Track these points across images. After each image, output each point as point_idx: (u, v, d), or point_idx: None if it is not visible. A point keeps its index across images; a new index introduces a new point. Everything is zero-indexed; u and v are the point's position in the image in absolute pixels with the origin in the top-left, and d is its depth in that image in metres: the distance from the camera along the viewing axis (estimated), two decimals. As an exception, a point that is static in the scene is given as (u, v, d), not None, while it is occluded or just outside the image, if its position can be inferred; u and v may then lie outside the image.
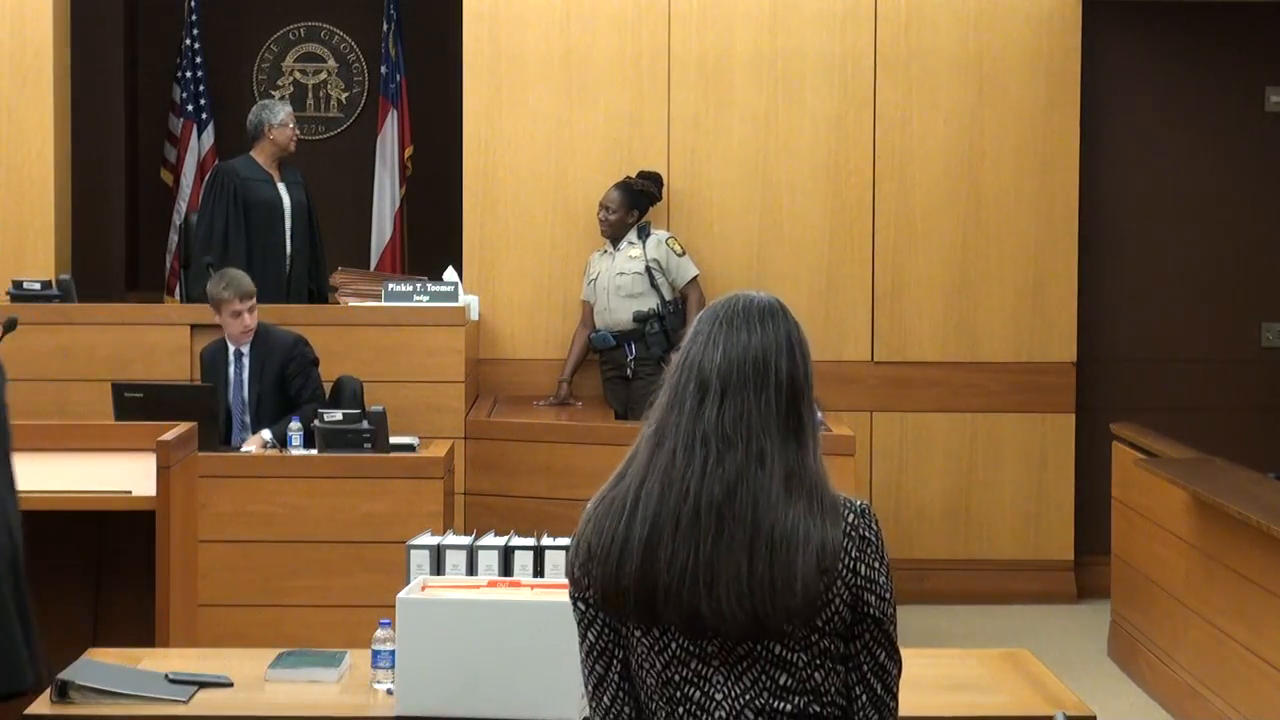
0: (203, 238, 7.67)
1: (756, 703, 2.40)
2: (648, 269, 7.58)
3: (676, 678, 2.43)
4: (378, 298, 7.34)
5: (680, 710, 2.43)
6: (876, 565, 2.42)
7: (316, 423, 6.09)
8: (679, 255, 7.64)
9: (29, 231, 7.86)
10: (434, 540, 3.74)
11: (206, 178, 8.29)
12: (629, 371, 7.57)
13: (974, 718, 3.49)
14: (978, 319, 7.90)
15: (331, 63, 9.82)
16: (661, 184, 7.78)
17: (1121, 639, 6.74)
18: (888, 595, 2.43)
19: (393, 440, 6.18)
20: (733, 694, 2.41)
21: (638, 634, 2.45)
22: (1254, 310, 8.03)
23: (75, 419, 6.43)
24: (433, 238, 9.09)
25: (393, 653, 3.46)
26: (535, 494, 6.95)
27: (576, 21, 7.91)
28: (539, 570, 3.69)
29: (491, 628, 3.32)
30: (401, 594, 3.39)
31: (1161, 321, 8.00)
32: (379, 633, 3.57)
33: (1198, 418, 7.75)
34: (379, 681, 3.54)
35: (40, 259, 7.80)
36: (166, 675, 3.55)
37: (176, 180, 9.34)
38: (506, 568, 3.68)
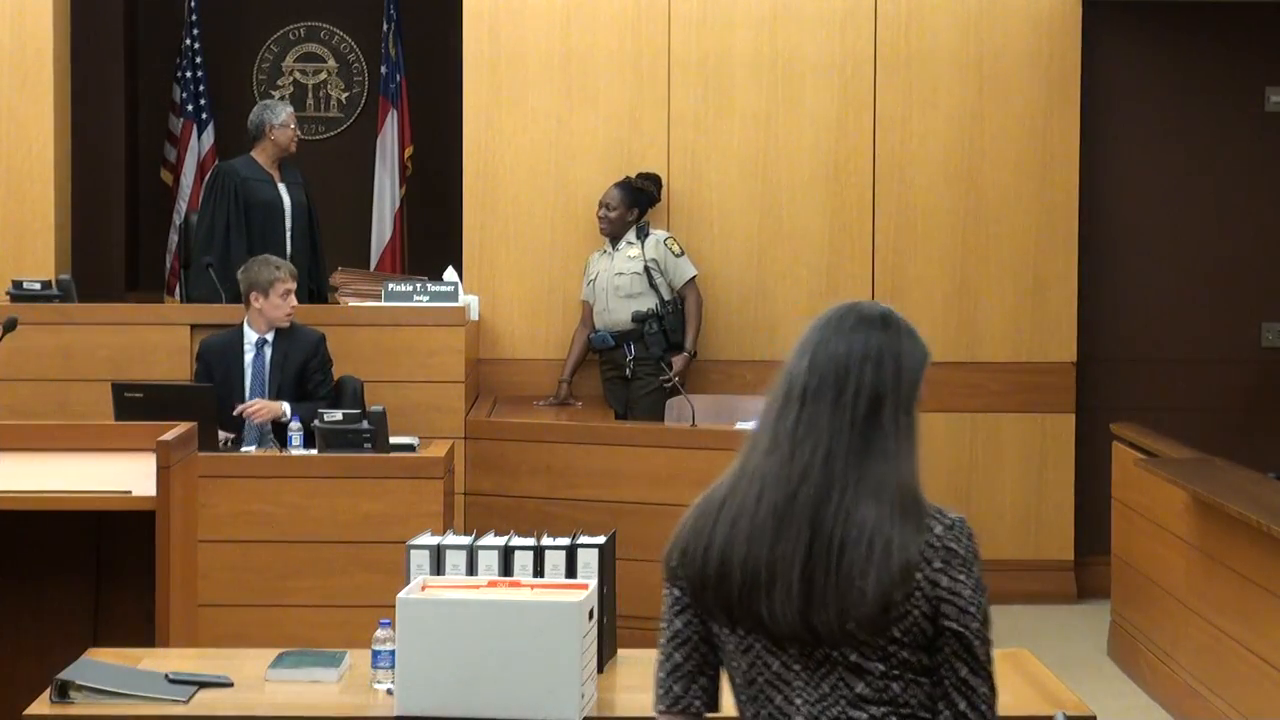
0: (203, 238, 7.67)
1: (833, 710, 2.40)
2: (646, 269, 7.58)
3: (760, 679, 2.44)
4: (378, 298, 7.34)
5: (763, 712, 2.44)
6: (961, 579, 2.40)
7: (316, 423, 6.09)
8: (677, 255, 7.64)
9: (29, 231, 7.86)
10: (434, 540, 3.74)
11: (207, 178, 8.28)
12: (628, 371, 7.57)
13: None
14: (978, 319, 7.90)
15: (331, 63, 9.82)
16: (660, 185, 7.78)
17: (1121, 639, 6.74)
18: (973, 610, 2.40)
19: (393, 440, 6.18)
20: (810, 699, 2.41)
21: (725, 632, 2.46)
22: (1254, 310, 8.03)
23: (75, 419, 6.42)
24: (433, 238, 9.09)
25: (393, 653, 3.46)
26: (535, 494, 6.94)
27: (576, 21, 7.91)
28: (539, 570, 3.68)
29: (491, 628, 3.32)
30: (401, 594, 3.39)
31: (1161, 321, 8.00)
32: (379, 633, 3.56)
33: (1198, 418, 7.75)
34: (379, 681, 3.54)
35: (40, 259, 7.80)
36: (166, 675, 3.55)
37: (176, 180, 9.34)
38: (506, 568, 3.68)
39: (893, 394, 2.50)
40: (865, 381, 2.48)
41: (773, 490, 2.42)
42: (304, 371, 6.61)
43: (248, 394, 6.59)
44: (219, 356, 6.66)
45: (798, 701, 2.41)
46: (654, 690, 2.55)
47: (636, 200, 7.67)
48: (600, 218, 7.65)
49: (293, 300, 6.65)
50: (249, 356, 6.64)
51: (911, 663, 2.39)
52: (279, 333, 6.63)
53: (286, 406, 6.47)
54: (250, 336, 6.65)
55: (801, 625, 2.36)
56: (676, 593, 2.51)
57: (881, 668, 2.38)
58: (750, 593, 2.39)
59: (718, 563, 2.42)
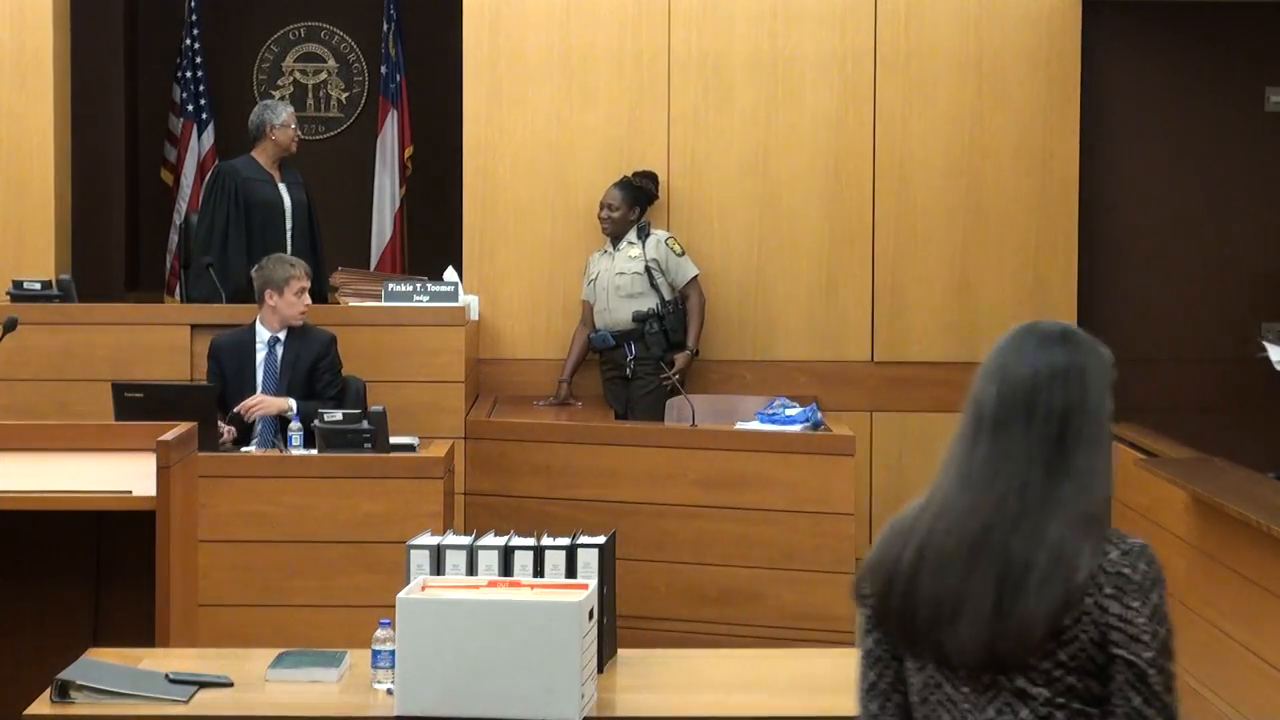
0: (203, 238, 7.67)
1: None
2: (647, 269, 7.58)
3: (931, 698, 2.45)
4: (378, 298, 7.34)
5: None
6: (1135, 605, 2.36)
7: (316, 423, 6.09)
8: (679, 255, 7.64)
9: (29, 231, 7.86)
10: (434, 540, 3.74)
11: (207, 177, 8.28)
12: (629, 371, 7.57)
13: (974, 718, 3.48)
14: (978, 319, 7.90)
15: (331, 63, 9.82)
16: (658, 182, 7.79)
17: (1121, 639, 6.73)
18: (1145, 639, 2.35)
19: (393, 440, 6.18)
20: None
21: (905, 652, 2.48)
22: (1254, 310, 8.03)
23: (75, 419, 6.42)
24: (433, 238, 9.09)
25: (393, 653, 3.46)
26: (535, 494, 6.94)
27: (576, 21, 7.91)
28: (539, 570, 3.68)
29: (491, 628, 3.32)
30: (401, 594, 3.39)
31: (1161, 321, 8.00)
32: (379, 633, 3.57)
33: (1198, 418, 7.74)
34: (379, 681, 3.54)
35: (40, 259, 7.80)
36: (166, 675, 3.55)
37: (176, 180, 9.34)
38: (506, 568, 3.68)
39: (1080, 410, 2.44)
40: (1054, 402, 2.43)
41: (964, 522, 2.40)
42: (314, 371, 6.61)
43: (259, 392, 6.59)
44: (231, 354, 6.66)
45: None
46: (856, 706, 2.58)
47: (637, 199, 7.68)
48: (603, 218, 7.65)
49: (307, 299, 6.66)
50: (261, 355, 6.65)
51: (1078, 689, 2.36)
52: (291, 331, 6.64)
53: (292, 402, 6.48)
54: (263, 335, 6.65)
55: (985, 654, 2.36)
56: (866, 612, 2.51)
57: (1046, 693, 2.36)
58: (935, 624, 2.39)
59: (902, 594, 2.43)
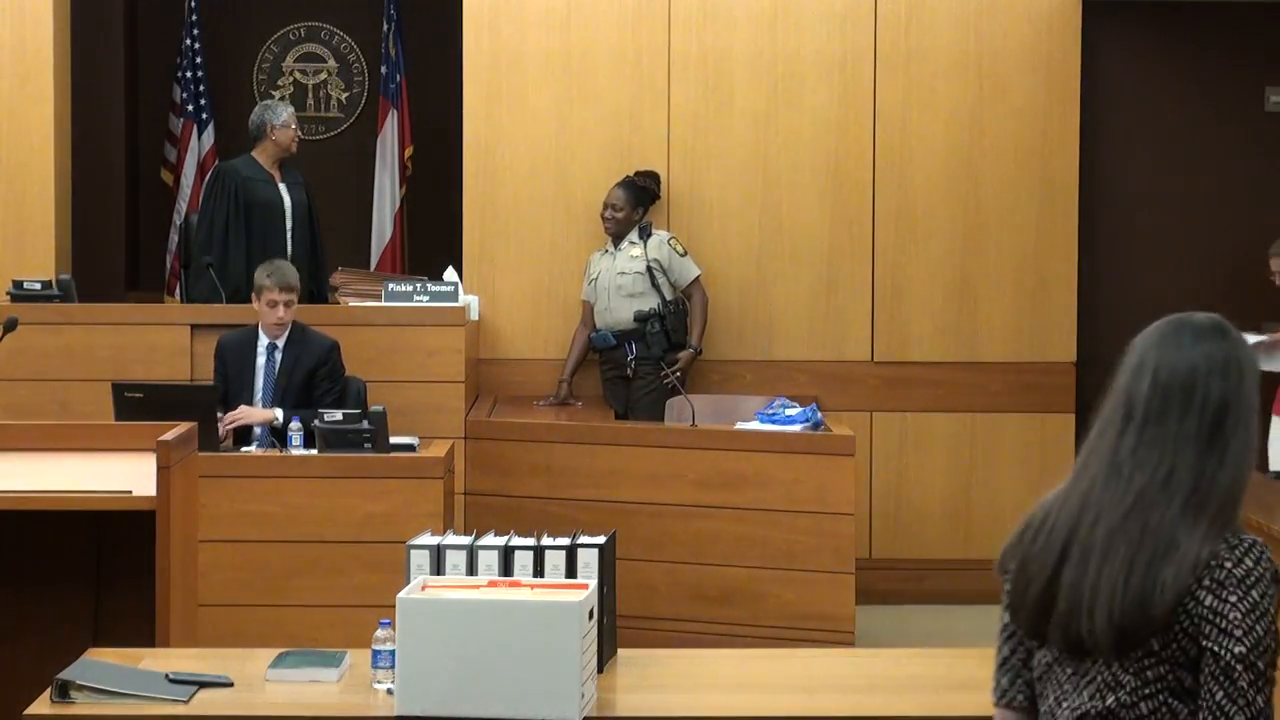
0: (203, 238, 7.67)
1: None
2: (649, 269, 7.58)
3: (1045, 676, 2.51)
4: (378, 298, 7.34)
5: (1044, 706, 2.52)
6: (1231, 600, 2.36)
7: (316, 423, 6.08)
8: (681, 255, 7.64)
9: (29, 231, 7.86)
10: (434, 540, 3.74)
11: (207, 177, 8.29)
12: (629, 371, 7.57)
13: (974, 717, 3.48)
14: (978, 319, 7.90)
15: (331, 63, 9.82)
16: (660, 182, 7.79)
17: (1121, 639, 6.74)
18: (1238, 633, 2.35)
19: (393, 440, 6.18)
20: (1072, 705, 2.45)
21: None
22: (1254, 310, 8.02)
23: (75, 419, 6.42)
24: (433, 238, 9.09)
25: (393, 653, 3.46)
26: (535, 494, 6.94)
27: (576, 21, 7.91)
28: (539, 570, 3.68)
29: (491, 628, 3.32)
30: (401, 594, 3.39)
31: (1161, 321, 7.99)
32: (379, 633, 3.56)
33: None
34: (379, 681, 3.54)
35: (40, 259, 7.80)
36: (166, 675, 3.55)
37: (176, 180, 9.33)
38: (506, 568, 3.68)
39: (1236, 402, 2.46)
40: (1212, 394, 2.45)
41: (1109, 513, 2.43)
42: (312, 378, 6.59)
43: (258, 394, 6.59)
44: (234, 355, 6.66)
45: (1064, 704, 2.46)
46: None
47: (640, 199, 7.68)
48: (606, 219, 7.65)
49: (279, 312, 6.55)
50: (261, 359, 6.64)
51: (1168, 680, 2.38)
52: (291, 337, 6.62)
53: (278, 413, 6.45)
54: (263, 339, 6.65)
55: (1115, 635, 2.38)
56: (1007, 587, 2.56)
57: (1134, 682, 2.39)
58: (1073, 614, 2.42)
59: (1042, 588, 2.47)
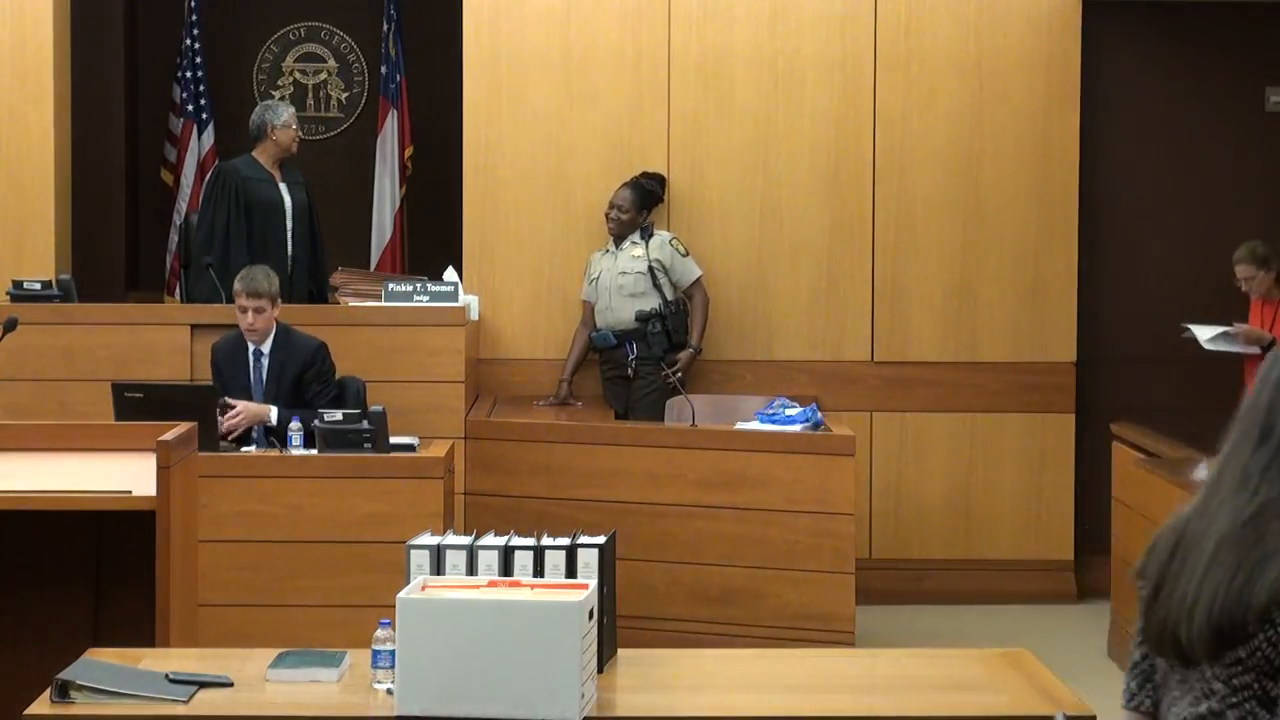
0: (203, 238, 7.67)
1: None
2: (650, 269, 7.58)
3: (1163, 683, 2.55)
4: (378, 298, 7.34)
5: (1159, 710, 2.56)
6: None
7: (316, 423, 6.08)
8: (683, 256, 7.64)
9: (29, 231, 7.86)
10: (434, 540, 3.74)
11: (207, 177, 8.29)
12: (630, 371, 7.57)
13: (974, 717, 3.49)
14: (978, 319, 7.90)
15: (331, 63, 9.82)
16: (664, 184, 7.80)
17: (1121, 639, 6.74)
18: None
19: (393, 440, 6.18)
20: (1178, 712, 2.48)
21: None
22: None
23: (75, 419, 6.42)
24: (433, 238, 9.09)
25: (393, 653, 3.45)
26: (535, 494, 6.95)
27: (576, 21, 7.91)
28: (539, 570, 3.68)
29: (491, 628, 3.32)
30: (401, 594, 3.39)
31: (1161, 321, 7.99)
32: (379, 633, 3.56)
33: (1198, 418, 7.74)
34: (379, 681, 3.54)
35: (40, 259, 7.80)
36: (166, 675, 3.55)
37: (176, 180, 9.33)
38: (506, 568, 3.68)
39: None
40: None
41: (1225, 524, 2.45)
42: (301, 381, 6.58)
43: (251, 399, 6.57)
44: (227, 358, 6.66)
45: (1173, 710, 2.50)
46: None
47: (646, 201, 7.68)
48: (611, 219, 7.64)
49: (249, 318, 6.53)
50: (250, 364, 6.63)
51: (1254, 689, 2.40)
52: (276, 342, 6.61)
53: (272, 411, 6.44)
54: (250, 344, 6.64)
55: (1214, 635, 2.40)
56: (1143, 593, 2.58)
57: (1224, 690, 2.41)
58: (1180, 620, 2.45)
59: (1163, 596, 2.49)
